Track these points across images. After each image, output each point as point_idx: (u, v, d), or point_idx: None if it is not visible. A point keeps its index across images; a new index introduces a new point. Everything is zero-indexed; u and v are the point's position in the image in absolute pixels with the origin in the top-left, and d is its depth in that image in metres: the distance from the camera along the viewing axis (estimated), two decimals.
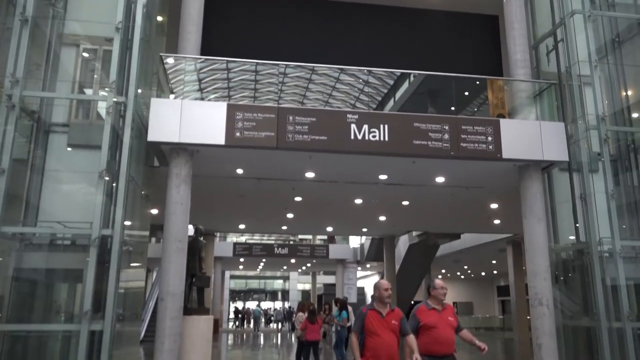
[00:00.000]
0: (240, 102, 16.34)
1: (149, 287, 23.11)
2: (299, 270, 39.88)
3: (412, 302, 23.44)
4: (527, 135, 8.58)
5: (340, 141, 8.17)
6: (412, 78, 13.09)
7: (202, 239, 11.17)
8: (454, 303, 34.41)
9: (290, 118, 8.14)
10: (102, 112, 7.12)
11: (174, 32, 9.03)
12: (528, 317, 10.35)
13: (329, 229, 19.37)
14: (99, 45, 7.88)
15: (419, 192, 11.63)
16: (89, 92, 7.93)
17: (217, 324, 23.36)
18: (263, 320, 35.96)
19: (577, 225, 8.23)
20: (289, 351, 16.07)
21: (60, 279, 7.09)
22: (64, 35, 7.66)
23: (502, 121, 8.70)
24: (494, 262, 27.34)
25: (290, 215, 15.01)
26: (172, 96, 9.47)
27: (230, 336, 24.77)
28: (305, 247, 30.23)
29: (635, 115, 8.72)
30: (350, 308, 13.06)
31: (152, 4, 8.14)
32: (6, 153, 6.57)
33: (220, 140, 7.93)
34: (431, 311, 5.19)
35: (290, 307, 37.10)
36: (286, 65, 10.98)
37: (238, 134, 7.97)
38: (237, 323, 36.54)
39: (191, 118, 7.94)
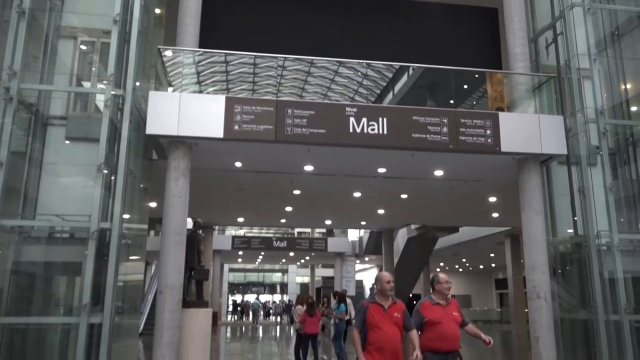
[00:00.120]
0: (239, 95, 16.29)
1: (148, 280, 23.16)
2: (298, 263, 39.99)
3: (410, 295, 23.54)
4: (525, 129, 8.58)
5: (339, 134, 8.16)
6: (411, 71, 13.05)
7: (200, 232, 11.18)
8: (452, 296, 34.47)
9: (289, 111, 8.12)
10: (100, 105, 7.11)
11: (172, 25, 8.99)
12: (526, 310, 10.39)
13: (328, 222, 19.40)
14: (96, 37, 7.84)
15: (417, 186, 11.64)
16: (86, 85, 7.90)
17: (215, 317, 23.44)
18: (262, 313, 36.06)
19: (575, 218, 8.25)
20: (288, 344, 16.12)
21: (59, 272, 7.10)
22: (61, 28, 7.63)
23: (501, 114, 8.69)
24: (492, 255, 27.43)
25: (289, 209, 15.02)
26: (170, 89, 9.44)
27: (229, 329, 24.85)
28: (303, 241, 30.30)
29: (634, 108, 8.72)
30: (349, 301, 13.10)
31: None
32: (4, 146, 6.56)
33: (219, 133, 7.91)
34: (435, 306, 5.03)
35: (289, 301, 37.20)
36: (285, 58, 10.93)
37: (236, 127, 7.95)
38: (235, 316, 36.66)
39: (189, 111, 7.92)
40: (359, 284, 36.91)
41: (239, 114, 8.00)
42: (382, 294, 4.89)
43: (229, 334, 21.54)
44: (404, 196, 12.98)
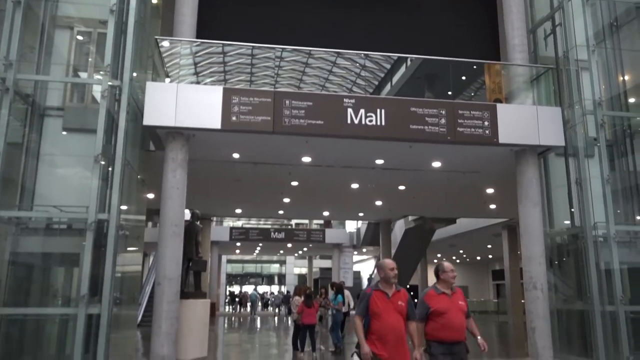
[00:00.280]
0: (237, 86, 16.25)
1: (146, 271, 23.19)
2: (296, 254, 40.05)
3: (408, 287, 23.61)
4: (523, 120, 8.58)
5: (336, 126, 8.15)
6: (409, 62, 13.03)
7: (198, 223, 11.19)
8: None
9: (287, 102, 8.10)
10: (97, 96, 7.07)
11: (169, 15, 8.93)
12: (522, 301, 10.42)
13: (326, 213, 19.40)
14: (93, 28, 7.80)
15: (415, 177, 11.64)
16: (83, 75, 7.87)
17: (213, 308, 23.51)
18: (260, 304, 36.16)
19: (572, 210, 8.27)
20: (286, 334, 16.20)
21: (57, 263, 7.11)
22: (57, 18, 7.58)
23: (499, 106, 8.68)
24: (489, 246, 27.50)
25: (286, 200, 15.02)
26: (167, 80, 9.40)
27: (227, 320, 24.95)
28: (301, 232, 30.32)
29: (631, 100, 8.72)
30: (346, 292, 13.14)
31: None
32: (0, 137, 6.53)
33: (217, 124, 7.90)
34: (441, 296, 4.84)
35: (287, 292, 37.30)
36: (283, 49, 10.89)
37: (234, 118, 7.93)
38: (232, 307, 36.76)
39: (187, 102, 7.90)
40: (357, 275, 37.06)
41: (237, 105, 7.97)
42: (385, 282, 4.75)
43: (226, 325, 21.63)
44: (401, 187, 12.99)
